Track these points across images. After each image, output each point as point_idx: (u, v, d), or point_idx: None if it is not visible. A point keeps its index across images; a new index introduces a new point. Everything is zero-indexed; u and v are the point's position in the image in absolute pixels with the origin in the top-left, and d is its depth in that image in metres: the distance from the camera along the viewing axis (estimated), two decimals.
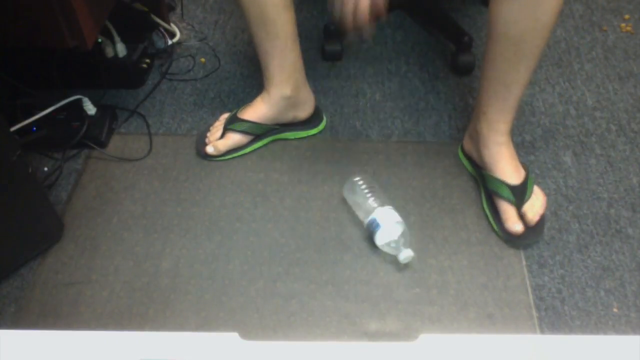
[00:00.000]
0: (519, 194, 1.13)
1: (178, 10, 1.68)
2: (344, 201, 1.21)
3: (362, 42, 1.54)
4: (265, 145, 1.33)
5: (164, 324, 1.05)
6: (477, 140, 1.20)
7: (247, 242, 1.16)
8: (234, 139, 1.29)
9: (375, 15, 0.98)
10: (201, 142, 1.31)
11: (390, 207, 1.13)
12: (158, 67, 1.53)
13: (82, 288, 1.10)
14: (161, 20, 1.52)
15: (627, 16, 1.65)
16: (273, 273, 1.11)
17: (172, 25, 1.58)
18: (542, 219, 1.15)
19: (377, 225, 1.10)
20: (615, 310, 1.06)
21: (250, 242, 1.16)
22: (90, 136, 1.32)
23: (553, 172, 1.28)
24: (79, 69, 1.42)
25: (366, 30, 1.00)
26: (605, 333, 1.03)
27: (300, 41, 1.21)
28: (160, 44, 1.54)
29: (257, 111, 1.28)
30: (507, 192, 1.14)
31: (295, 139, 1.34)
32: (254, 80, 1.48)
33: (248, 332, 1.04)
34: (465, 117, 1.39)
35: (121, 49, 1.43)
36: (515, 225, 1.12)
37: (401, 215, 1.13)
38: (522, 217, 1.13)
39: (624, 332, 1.04)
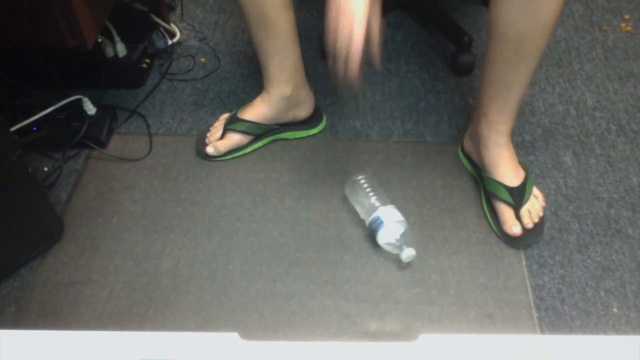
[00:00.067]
0: (518, 196, 1.14)
1: (178, 10, 1.68)
2: (344, 201, 1.21)
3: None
4: (265, 145, 1.33)
5: (164, 324, 1.05)
6: (477, 141, 1.20)
7: (247, 242, 1.16)
8: (234, 139, 1.29)
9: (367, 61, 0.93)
10: (201, 142, 1.31)
11: (393, 206, 1.13)
12: (158, 67, 1.53)
13: (82, 288, 1.10)
14: (161, 20, 1.52)
15: (627, 16, 1.65)
16: (273, 273, 1.11)
17: (172, 25, 1.58)
18: (541, 220, 1.15)
19: (380, 224, 1.10)
20: (615, 310, 1.06)
21: (250, 242, 1.16)
22: (90, 136, 1.32)
23: (553, 172, 1.27)
24: (79, 69, 1.42)
25: (356, 84, 0.96)
26: (605, 333, 1.03)
27: (300, 41, 1.21)
28: (160, 44, 1.54)
29: (257, 111, 1.28)
30: (505, 194, 1.14)
31: (295, 139, 1.34)
32: (254, 80, 1.48)
33: (248, 332, 1.04)
34: (465, 117, 1.39)
35: (121, 49, 1.43)
36: (513, 228, 1.12)
37: (401, 215, 1.13)
38: (520, 219, 1.13)
39: (624, 332, 1.03)
